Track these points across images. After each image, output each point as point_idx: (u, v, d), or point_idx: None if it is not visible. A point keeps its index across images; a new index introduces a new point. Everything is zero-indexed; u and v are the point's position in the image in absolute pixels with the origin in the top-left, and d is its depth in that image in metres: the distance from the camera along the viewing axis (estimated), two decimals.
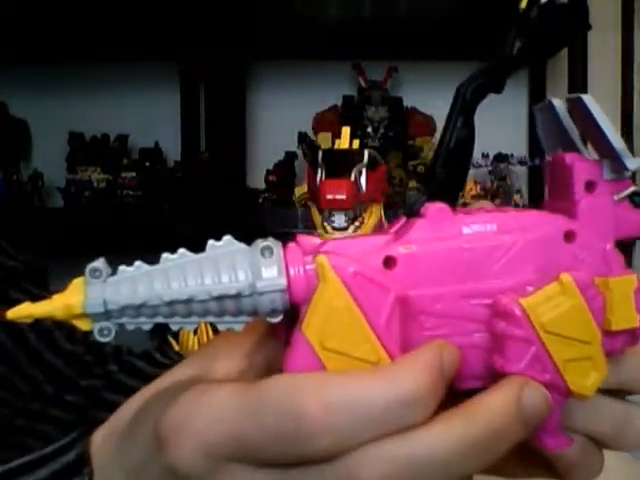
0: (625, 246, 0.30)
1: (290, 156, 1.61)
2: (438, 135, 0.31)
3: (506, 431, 0.25)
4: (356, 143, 0.64)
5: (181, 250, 0.28)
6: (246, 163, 1.68)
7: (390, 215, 0.63)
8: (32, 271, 0.59)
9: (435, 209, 0.28)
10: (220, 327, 0.28)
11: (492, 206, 0.32)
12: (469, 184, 1.58)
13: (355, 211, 0.59)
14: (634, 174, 0.30)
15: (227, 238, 0.28)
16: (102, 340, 0.27)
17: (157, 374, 0.32)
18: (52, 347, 0.57)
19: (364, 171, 0.59)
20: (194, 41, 1.49)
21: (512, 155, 1.58)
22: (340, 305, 0.26)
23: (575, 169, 0.29)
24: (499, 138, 1.56)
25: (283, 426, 0.24)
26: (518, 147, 1.64)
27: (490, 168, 1.59)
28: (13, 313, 0.26)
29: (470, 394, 0.27)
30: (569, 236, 0.28)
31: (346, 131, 0.65)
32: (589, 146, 0.30)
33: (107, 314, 0.26)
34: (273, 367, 0.29)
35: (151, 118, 1.67)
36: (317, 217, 0.60)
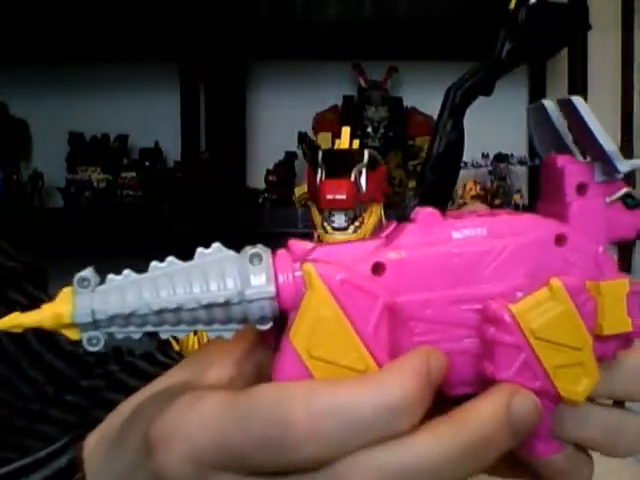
0: (625, 246, 0.29)
1: (290, 156, 1.61)
2: None
3: (495, 439, 0.25)
4: (356, 143, 0.64)
5: (170, 258, 0.27)
6: (246, 163, 1.68)
7: (390, 215, 0.62)
8: (32, 272, 0.59)
9: (425, 213, 0.28)
10: (209, 335, 0.28)
11: (485, 208, 0.32)
12: (469, 184, 1.58)
13: (355, 211, 0.59)
14: (633, 175, 0.30)
15: (216, 245, 0.28)
16: (91, 349, 0.27)
17: (158, 374, 0.32)
18: (53, 348, 0.57)
19: (364, 171, 0.59)
20: (194, 41, 1.49)
21: (512, 155, 1.58)
22: (327, 314, 0.26)
23: (566, 171, 0.29)
24: (499, 138, 1.56)
25: (271, 434, 0.24)
26: (518, 147, 1.64)
27: (490, 168, 1.59)
28: (2, 323, 0.26)
29: (460, 400, 0.26)
30: (560, 240, 0.28)
31: (346, 131, 0.64)
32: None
33: (95, 324, 0.26)
34: (263, 374, 0.29)
35: (151, 118, 1.67)
36: (317, 217, 0.60)
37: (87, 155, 1.58)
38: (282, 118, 1.68)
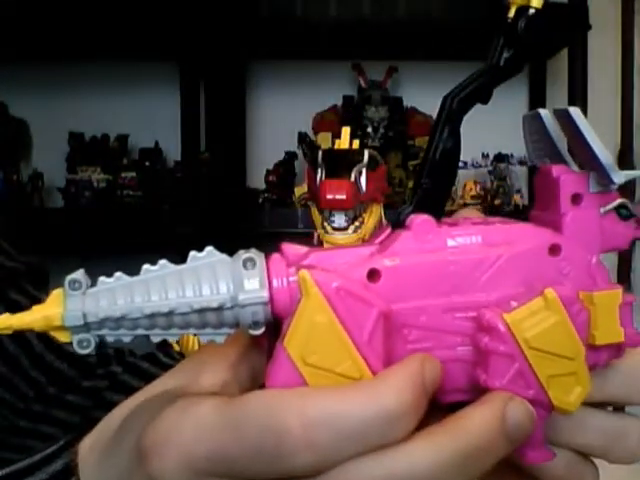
0: (625, 250, 0.29)
1: (290, 156, 1.61)
2: None
3: (490, 447, 0.25)
4: (356, 143, 0.64)
5: (162, 261, 0.27)
6: (246, 163, 1.68)
7: (390, 215, 0.62)
8: (32, 272, 0.59)
9: (420, 221, 0.28)
10: (201, 339, 0.27)
11: (478, 215, 0.32)
12: (469, 184, 1.58)
13: (355, 211, 0.59)
14: (632, 185, 0.30)
15: (209, 249, 0.27)
16: (81, 352, 0.27)
17: (161, 375, 0.32)
18: (54, 349, 0.57)
19: (364, 171, 0.59)
20: (194, 41, 1.49)
21: (512, 155, 1.58)
22: (322, 321, 0.26)
23: (561, 181, 0.29)
24: (499, 138, 1.56)
25: (264, 442, 0.24)
26: (518, 147, 1.64)
27: (490, 168, 1.59)
28: None
29: (453, 408, 0.26)
30: (554, 249, 0.28)
31: (346, 131, 0.64)
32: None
33: (86, 326, 0.26)
34: (258, 378, 0.29)
35: (151, 118, 1.67)
36: (317, 217, 0.60)
37: (87, 155, 1.58)
38: (282, 118, 1.68)
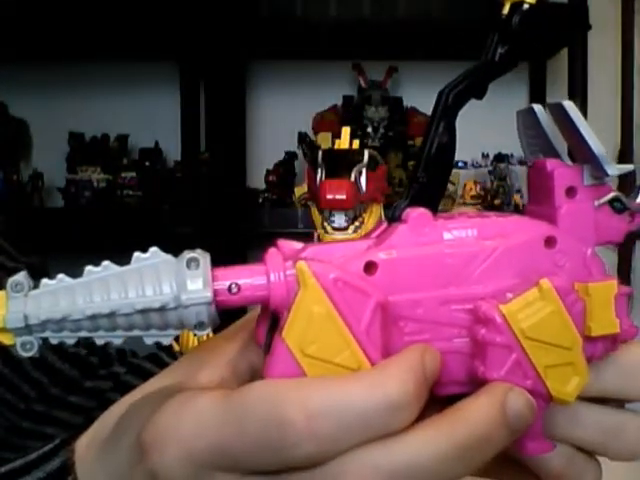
0: (625, 246, 0.30)
1: (290, 156, 1.61)
2: None
3: (491, 437, 0.25)
4: (356, 143, 0.64)
5: (105, 262, 0.27)
6: (246, 163, 1.68)
7: (389, 214, 0.62)
8: (34, 273, 0.59)
9: (416, 214, 0.28)
10: (146, 341, 0.27)
11: (474, 212, 0.32)
12: (469, 184, 1.58)
13: (355, 211, 0.59)
14: (632, 178, 0.30)
15: (153, 250, 0.27)
16: (25, 354, 0.26)
17: None
18: (55, 349, 0.57)
19: (364, 171, 0.59)
20: (194, 41, 1.49)
21: (512, 155, 1.58)
22: (320, 312, 0.26)
23: (556, 175, 0.29)
24: (499, 138, 1.56)
25: (266, 433, 0.24)
26: (518, 147, 1.62)
27: (490, 168, 1.59)
28: None
29: (450, 400, 0.27)
30: (550, 242, 0.28)
31: (346, 131, 0.64)
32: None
33: (28, 328, 0.26)
34: (256, 374, 0.29)
35: (151, 118, 1.67)
36: (317, 217, 0.60)
37: (87, 155, 1.59)
38: (282, 118, 1.68)
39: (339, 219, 0.57)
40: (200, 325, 0.27)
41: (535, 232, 0.28)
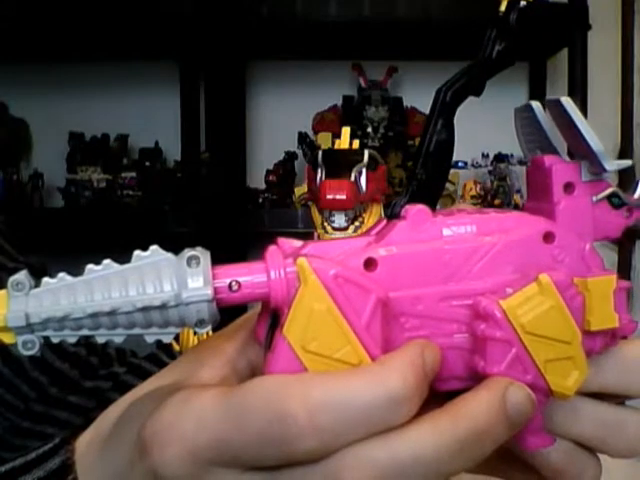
0: (625, 246, 0.30)
1: (290, 156, 1.61)
2: None
3: (491, 431, 0.25)
4: (356, 143, 0.64)
5: (106, 261, 0.27)
6: (246, 163, 1.68)
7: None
8: (34, 273, 0.59)
9: (415, 211, 0.28)
10: (147, 339, 0.27)
11: (472, 208, 0.32)
12: (469, 184, 1.58)
13: (355, 211, 0.59)
14: (631, 173, 0.30)
15: (153, 248, 0.27)
16: (26, 353, 0.27)
17: None
18: (55, 349, 0.57)
19: (364, 171, 0.59)
20: (194, 41, 1.49)
21: (512, 155, 1.58)
22: (321, 308, 0.26)
23: (554, 171, 0.29)
24: (499, 138, 1.56)
25: (267, 428, 0.24)
26: (518, 147, 1.63)
27: (490, 168, 1.59)
28: None
29: (450, 396, 0.27)
30: (548, 237, 0.28)
31: (346, 131, 0.64)
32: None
33: (30, 327, 0.26)
34: (256, 373, 0.29)
35: (151, 118, 1.67)
36: (317, 217, 0.60)
37: (87, 155, 1.58)
38: (282, 118, 1.68)
39: (339, 219, 0.58)
40: (201, 323, 0.27)
41: (534, 228, 0.28)
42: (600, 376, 0.29)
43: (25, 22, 1.44)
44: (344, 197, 0.56)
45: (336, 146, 0.64)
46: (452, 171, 1.49)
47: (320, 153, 0.60)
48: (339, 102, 1.63)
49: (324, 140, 1.52)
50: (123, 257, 0.28)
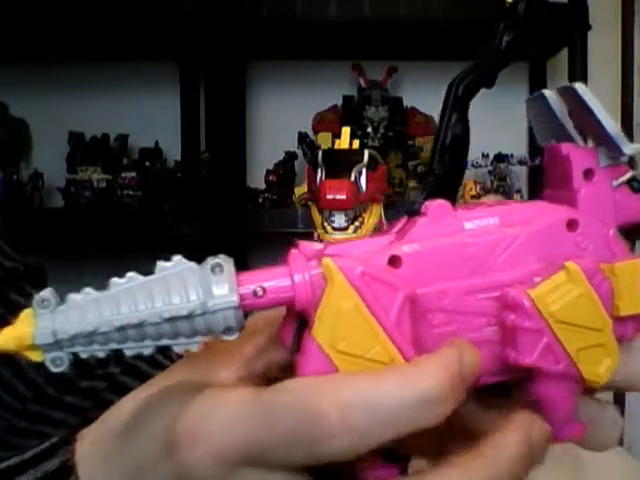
0: (627, 240, 0.29)
1: (290, 156, 1.61)
2: None
3: (519, 473, 0.25)
4: (356, 143, 0.64)
5: (130, 274, 0.27)
6: (246, 163, 1.68)
7: (390, 215, 0.63)
8: (32, 272, 0.59)
9: (435, 206, 0.28)
10: (175, 349, 0.27)
11: (495, 200, 0.32)
12: (469, 184, 1.58)
13: (355, 211, 0.59)
14: None
15: (177, 258, 0.27)
16: (55, 370, 0.26)
17: None
18: None
19: (364, 171, 0.59)
20: (194, 41, 1.49)
21: (512, 155, 1.58)
22: (349, 306, 0.26)
23: (572, 158, 0.29)
24: (499, 138, 1.56)
25: (299, 427, 0.24)
26: (518, 147, 1.64)
27: (490, 168, 1.59)
28: None
29: (485, 390, 0.27)
30: (571, 225, 0.28)
31: (346, 131, 0.64)
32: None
33: (58, 344, 0.26)
34: (272, 375, 0.29)
35: (151, 118, 1.67)
36: (317, 217, 0.60)
37: (87, 155, 1.58)
38: (282, 118, 1.68)
39: (339, 219, 0.58)
40: (228, 330, 0.27)
41: (556, 216, 0.28)
42: (628, 366, 0.29)
43: (25, 22, 1.44)
44: (344, 197, 0.56)
45: (336, 146, 0.64)
46: None
47: (320, 153, 0.61)
48: (339, 102, 1.63)
49: (324, 140, 1.52)
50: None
